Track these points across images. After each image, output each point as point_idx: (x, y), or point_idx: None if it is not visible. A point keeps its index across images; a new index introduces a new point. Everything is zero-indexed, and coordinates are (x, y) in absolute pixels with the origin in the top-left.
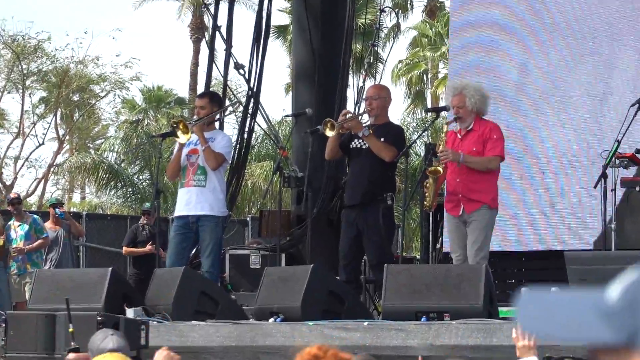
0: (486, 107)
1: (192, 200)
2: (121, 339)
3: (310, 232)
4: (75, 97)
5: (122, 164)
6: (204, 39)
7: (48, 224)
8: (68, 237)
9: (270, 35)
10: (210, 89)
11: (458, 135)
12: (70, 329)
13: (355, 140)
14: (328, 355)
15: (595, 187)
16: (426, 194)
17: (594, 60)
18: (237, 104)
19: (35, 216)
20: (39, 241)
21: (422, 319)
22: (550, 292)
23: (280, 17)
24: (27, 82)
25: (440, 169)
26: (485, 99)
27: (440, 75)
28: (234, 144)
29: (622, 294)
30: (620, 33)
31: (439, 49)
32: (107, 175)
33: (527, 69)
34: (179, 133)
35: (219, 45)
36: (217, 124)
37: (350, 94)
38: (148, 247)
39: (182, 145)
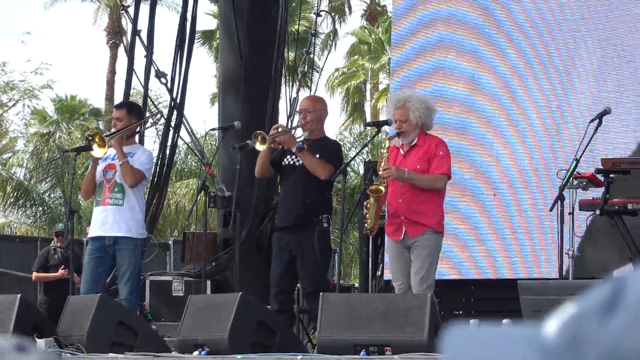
0: (431, 121)
1: (108, 220)
2: None
3: (238, 257)
4: None
5: (32, 181)
6: (122, 44)
7: None
8: None
9: (195, 41)
10: (129, 99)
11: (401, 151)
12: None
13: (288, 157)
14: None
15: (551, 210)
16: (367, 216)
17: (551, 70)
18: (159, 116)
19: None
20: None
21: (362, 353)
22: (480, 328)
23: (206, 22)
24: None
25: (382, 188)
26: (431, 112)
27: (381, 87)
28: (154, 160)
29: (561, 330)
30: (579, 39)
31: (379, 59)
32: (16, 192)
33: (475, 80)
34: (95, 147)
35: (139, 51)
36: (137, 138)
37: (283, 106)
38: (60, 271)
39: (96, 161)
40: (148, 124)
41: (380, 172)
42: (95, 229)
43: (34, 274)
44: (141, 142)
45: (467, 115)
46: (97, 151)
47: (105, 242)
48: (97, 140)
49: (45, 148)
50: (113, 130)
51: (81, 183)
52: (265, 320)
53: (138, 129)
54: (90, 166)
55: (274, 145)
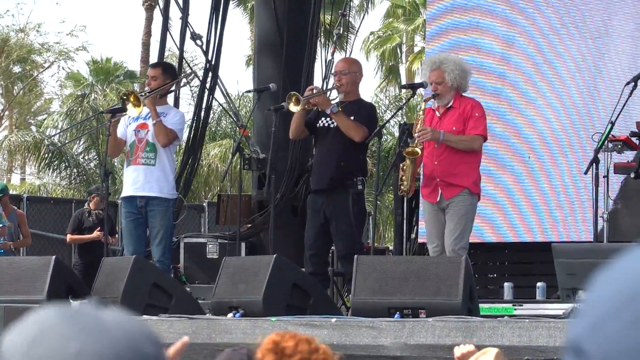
0: (467, 83)
1: (139, 180)
2: None
3: (273, 220)
4: (16, 69)
5: (66, 142)
6: (157, 6)
7: None
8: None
9: (230, 3)
10: (164, 61)
11: (436, 113)
12: None
13: (323, 119)
14: (286, 337)
15: (585, 173)
16: (403, 178)
17: (585, 32)
18: (193, 76)
19: None
20: None
21: (396, 316)
22: None
23: None
24: None
25: (418, 149)
26: (466, 73)
27: (416, 50)
28: (189, 122)
29: None
30: (615, 1)
31: (414, 20)
32: (50, 154)
33: (511, 43)
34: (130, 106)
35: (174, 13)
36: (171, 100)
37: (318, 68)
38: (96, 233)
39: (116, 120)
40: (182, 84)
41: (415, 134)
42: (127, 189)
43: (68, 236)
44: (176, 103)
45: (503, 75)
46: (131, 110)
47: (137, 203)
48: (132, 99)
49: (79, 109)
50: (147, 89)
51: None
52: (299, 282)
53: (172, 89)
54: (110, 125)
55: (308, 107)
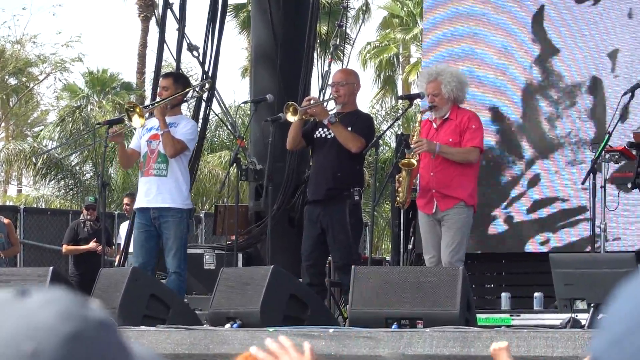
0: (464, 95)
1: (152, 191)
2: None
3: (270, 230)
4: (12, 81)
5: (61, 154)
6: (153, 17)
7: None
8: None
9: (227, 14)
10: (160, 72)
11: (433, 124)
12: None
13: (320, 129)
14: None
15: (583, 183)
16: (399, 189)
17: (584, 40)
18: (208, 85)
19: None
20: None
21: (393, 326)
22: None
23: None
24: None
25: (414, 161)
26: (463, 85)
27: (412, 60)
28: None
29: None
30: (617, 20)
31: (411, 30)
32: (46, 165)
33: (507, 51)
34: (135, 117)
35: (171, 24)
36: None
37: (315, 79)
38: (92, 244)
39: (117, 137)
40: (194, 93)
41: (412, 145)
42: (140, 200)
43: (64, 247)
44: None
45: (499, 85)
46: (136, 121)
47: (151, 214)
48: (137, 110)
49: (71, 119)
50: (158, 99)
51: (113, 155)
52: (297, 293)
53: (183, 99)
54: (109, 137)
55: (306, 117)
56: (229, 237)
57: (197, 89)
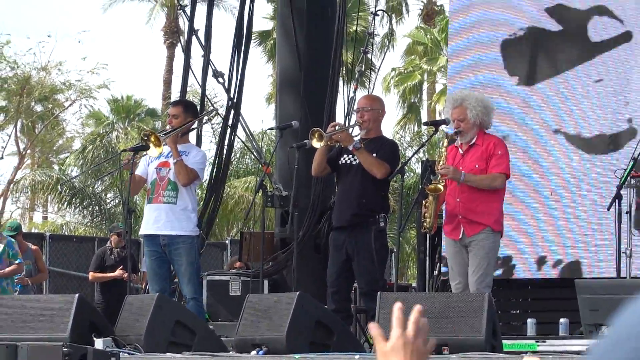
0: (490, 120)
1: (161, 219)
2: None
3: (296, 257)
4: (38, 107)
5: (82, 182)
6: (179, 44)
7: None
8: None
9: (252, 41)
10: (186, 99)
11: (459, 150)
12: None
13: (345, 156)
14: None
15: (608, 209)
16: (425, 215)
17: (608, 69)
18: (214, 113)
19: (10, 239)
20: (12, 267)
21: None
22: None
23: (261, 23)
24: None
25: (441, 186)
26: (489, 110)
27: (438, 87)
28: (211, 159)
29: None
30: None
31: (437, 60)
32: (72, 192)
33: (532, 80)
34: (151, 146)
35: (196, 51)
36: (193, 138)
37: (340, 106)
38: (118, 271)
39: (128, 164)
40: (204, 121)
41: (438, 170)
42: (148, 227)
43: (91, 274)
44: (199, 141)
45: (524, 111)
46: (152, 150)
47: (160, 241)
48: (152, 139)
49: (93, 147)
50: (168, 127)
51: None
52: (322, 319)
53: (193, 128)
54: (133, 164)
55: (331, 143)
56: (255, 263)
57: (206, 117)
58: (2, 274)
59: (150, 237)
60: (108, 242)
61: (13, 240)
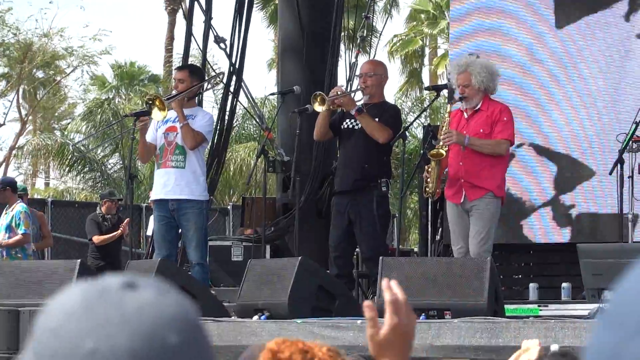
0: (495, 85)
1: (170, 183)
2: None
3: (297, 222)
4: (40, 74)
5: (89, 146)
6: (180, 10)
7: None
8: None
9: (254, 6)
10: (191, 63)
11: (464, 114)
12: None
13: (347, 120)
14: (283, 347)
15: (610, 173)
16: (428, 180)
17: (609, 34)
18: (221, 77)
19: (20, 208)
20: (16, 237)
21: (421, 317)
22: None
23: None
24: None
25: (443, 151)
26: (494, 76)
27: (440, 52)
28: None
29: None
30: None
31: (438, 24)
32: (74, 158)
33: (533, 46)
34: (155, 110)
35: (198, 16)
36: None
37: (342, 71)
38: (120, 230)
39: (144, 126)
40: (209, 86)
41: (440, 137)
42: (157, 192)
43: (96, 238)
44: (199, 106)
45: (525, 78)
46: (157, 114)
47: (169, 206)
48: (157, 103)
49: (99, 111)
50: (174, 92)
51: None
52: (324, 284)
53: (199, 92)
54: (135, 129)
55: (333, 107)
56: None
57: (212, 81)
58: (6, 244)
59: (160, 202)
60: (98, 209)
61: (25, 207)
